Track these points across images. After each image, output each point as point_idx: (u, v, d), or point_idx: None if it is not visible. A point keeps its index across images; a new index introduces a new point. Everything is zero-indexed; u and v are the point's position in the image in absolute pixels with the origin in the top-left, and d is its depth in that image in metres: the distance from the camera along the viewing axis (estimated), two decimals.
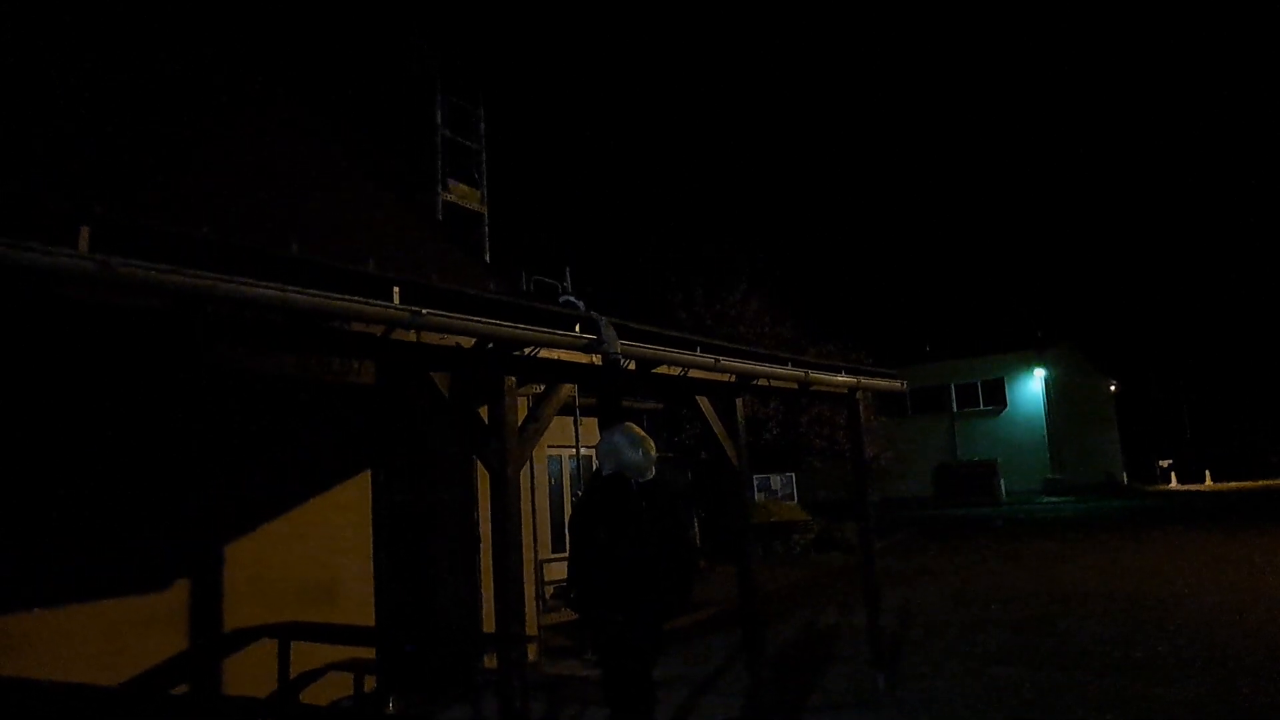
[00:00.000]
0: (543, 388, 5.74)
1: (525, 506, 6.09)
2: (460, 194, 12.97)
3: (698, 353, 5.57)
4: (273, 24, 11.88)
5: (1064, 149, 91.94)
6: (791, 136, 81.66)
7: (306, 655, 6.78)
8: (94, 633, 5.85)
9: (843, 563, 17.96)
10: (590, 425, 11.96)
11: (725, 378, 6.16)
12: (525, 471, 6.43)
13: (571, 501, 13.38)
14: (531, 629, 9.22)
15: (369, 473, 8.17)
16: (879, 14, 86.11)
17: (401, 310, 3.64)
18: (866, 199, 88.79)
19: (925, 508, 36.31)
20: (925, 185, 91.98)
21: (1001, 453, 40.78)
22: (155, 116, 6.80)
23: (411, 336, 4.00)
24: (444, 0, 14.09)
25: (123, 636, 6.00)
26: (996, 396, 44.98)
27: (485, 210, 13.34)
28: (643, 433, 4.28)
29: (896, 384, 8.40)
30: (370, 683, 6.88)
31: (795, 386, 7.05)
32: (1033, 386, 44.26)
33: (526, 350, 4.55)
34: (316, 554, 7.48)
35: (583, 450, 12.16)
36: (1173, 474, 47.21)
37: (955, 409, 45.75)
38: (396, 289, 3.64)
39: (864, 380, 7.81)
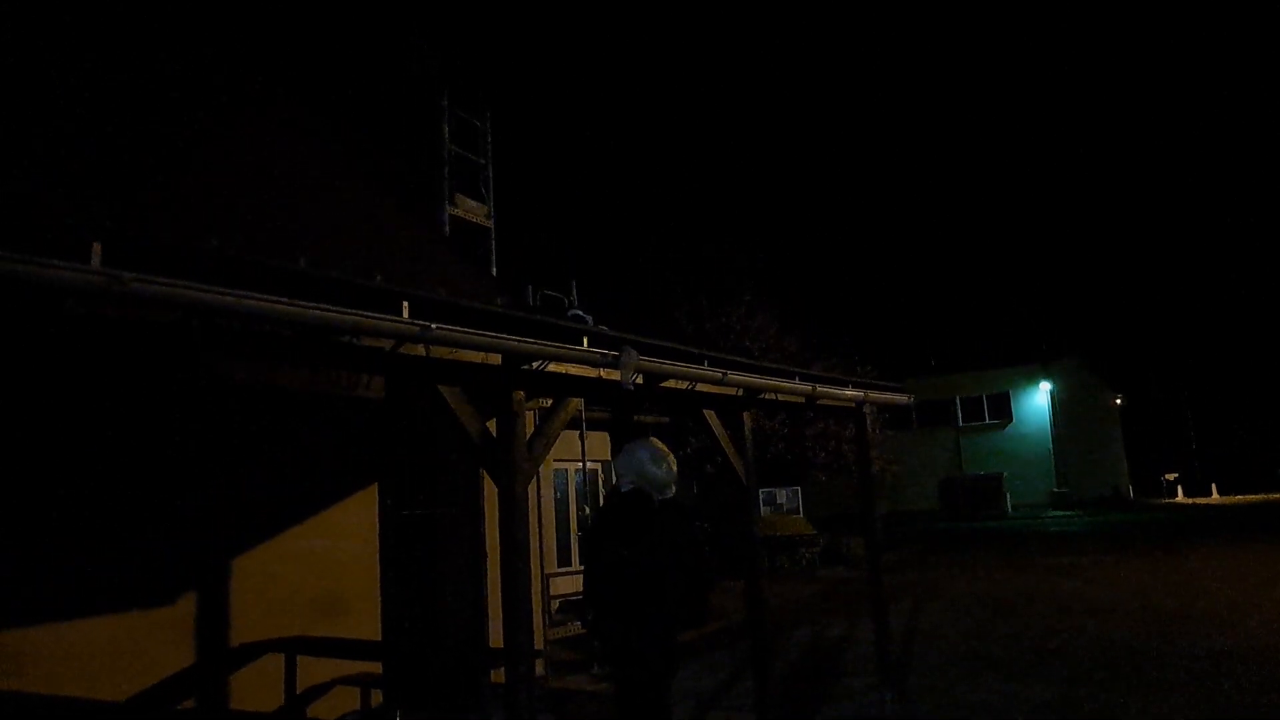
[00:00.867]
0: (550, 402, 5.73)
1: (532, 520, 6.08)
2: (467, 208, 13.00)
3: (705, 366, 5.55)
4: (274, 28, 11.89)
5: (1072, 165, 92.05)
6: (799, 149, 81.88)
7: (313, 669, 6.77)
8: (99, 647, 5.83)
9: (849, 577, 17.91)
10: (597, 439, 11.95)
11: (732, 391, 6.15)
12: (532, 485, 6.42)
13: (578, 515, 13.35)
14: (538, 643, 9.18)
15: (376, 486, 8.16)
16: (884, 26, 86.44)
17: (411, 325, 3.64)
18: (873, 212, 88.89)
19: (931, 521, 36.22)
20: (931, 200, 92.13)
21: (1007, 466, 40.70)
22: (155, 116, 6.80)
23: (420, 351, 4.00)
24: (450, 11, 14.17)
25: (128, 651, 5.98)
26: (1002, 410, 44.97)
27: (492, 224, 13.37)
28: (665, 448, 4.27)
29: (902, 398, 8.38)
30: (377, 697, 6.85)
31: (802, 400, 7.04)
32: (1038, 400, 44.25)
33: (534, 364, 4.55)
34: (323, 567, 7.47)
35: (589, 464, 12.14)
36: (1179, 487, 47.02)
37: (961, 422, 45.73)
38: (405, 303, 3.64)
39: (871, 394, 7.80)
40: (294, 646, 6.74)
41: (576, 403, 5.64)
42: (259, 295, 3.12)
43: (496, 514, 5.11)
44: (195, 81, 8.04)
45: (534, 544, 8.83)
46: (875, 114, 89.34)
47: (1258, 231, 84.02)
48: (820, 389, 7.00)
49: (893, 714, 7.32)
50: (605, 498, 4.99)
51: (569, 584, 12.22)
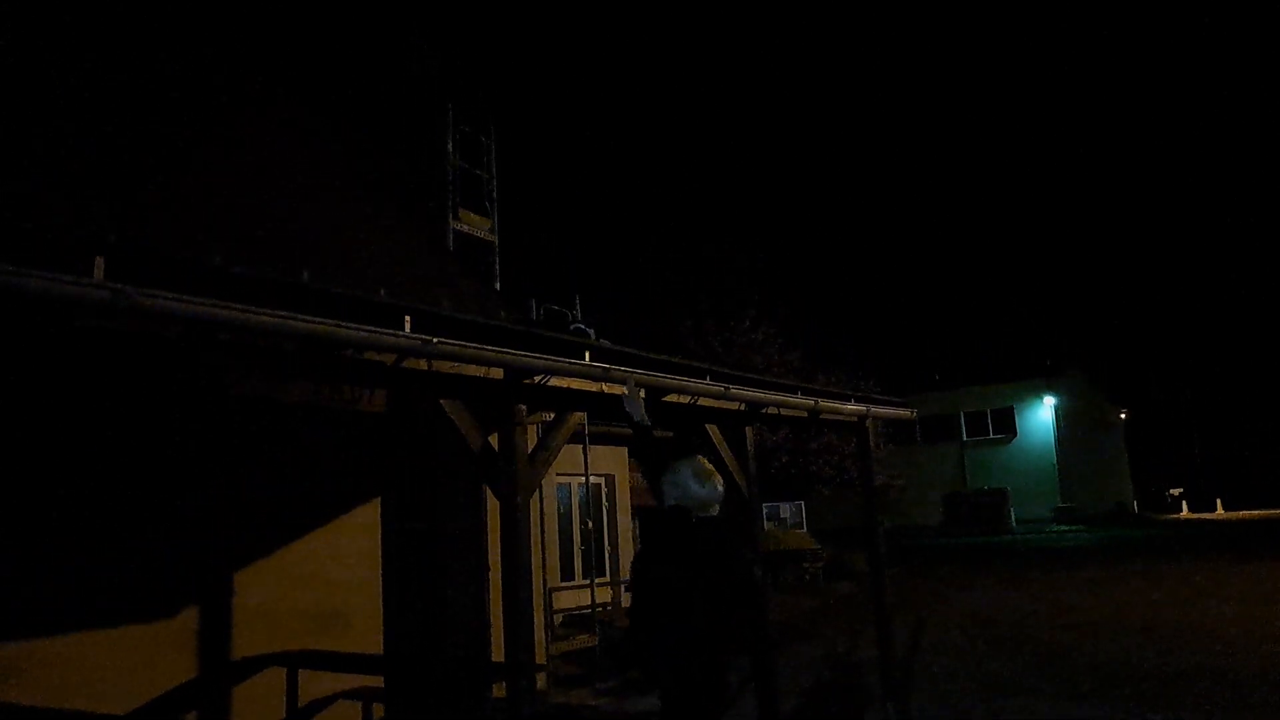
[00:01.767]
0: (552, 415, 5.74)
1: (534, 534, 6.07)
2: (471, 222, 13.04)
3: (707, 381, 5.56)
4: (275, 31, 11.89)
5: (1078, 179, 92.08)
6: (803, 162, 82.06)
7: (315, 683, 6.76)
8: (102, 660, 5.83)
9: (852, 591, 17.84)
10: (600, 453, 11.93)
11: (735, 406, 6.15)
12: (535, 499, 6.42)
13: (580, 529, 13.33)
14: (540, 657, 9.16)
15: (378, 500, 8.16)
16: (891, 33, 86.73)
17: (413, 339, 3.66)
18: (878, 227, 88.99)
19: (935, 536, 36.09)
20: (936, 215, 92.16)
21: (1011, 481, 40.53)
22: (155, 117, 6.82)
23: (423, 365, 4.01)
24: (454, 20, 14.22)
25: (130, 664, 5.97)
26: (1006, 425, 44.87)
27: (495, 238, 13.40)
28: (711, 467, 4.22)
29: (906, 412, 8.38)
30: (379, 711, 6.84)
31: (805, 415, 7.04)
32: (1042, 415, 44.13)
33: (537, 378, 4.57)
34: (325, 581, 7.46)
35: (592, 478, 12.13)
36: (1184, 502, 46.83)
37: (965, 437, 45.62)
38: (408, 317, 3.66)
39: (874, 409, 7.80)
40: (295, 660, 6.73)
41: (579, 416, 5.66)
42: (263, 310, 3.13)
43: (499, 527, 5.11)
44: (195, 81, 8.06)
45: (536, 557, 8.81)
46: (880, 132, 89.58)
47: (1262, 246, 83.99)
48: (823, 404, 7.00)
49: None
50: (642, 522, 4.95)
51: (572, 598, 12.21)
